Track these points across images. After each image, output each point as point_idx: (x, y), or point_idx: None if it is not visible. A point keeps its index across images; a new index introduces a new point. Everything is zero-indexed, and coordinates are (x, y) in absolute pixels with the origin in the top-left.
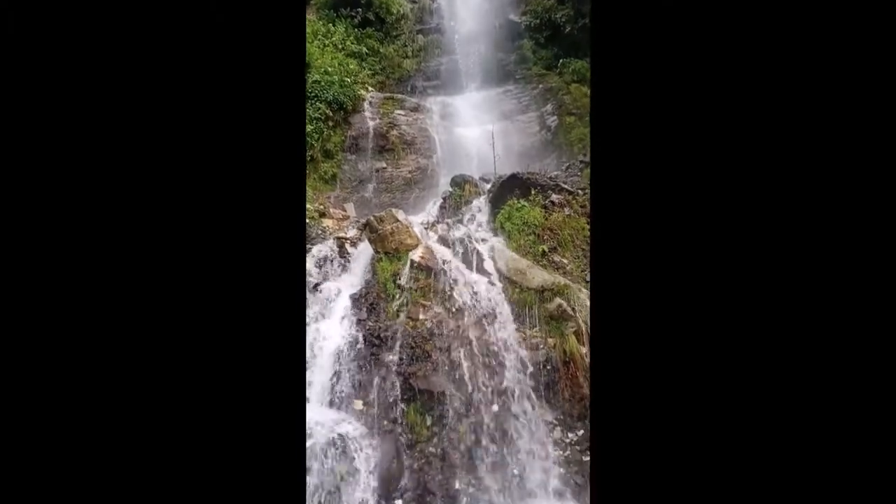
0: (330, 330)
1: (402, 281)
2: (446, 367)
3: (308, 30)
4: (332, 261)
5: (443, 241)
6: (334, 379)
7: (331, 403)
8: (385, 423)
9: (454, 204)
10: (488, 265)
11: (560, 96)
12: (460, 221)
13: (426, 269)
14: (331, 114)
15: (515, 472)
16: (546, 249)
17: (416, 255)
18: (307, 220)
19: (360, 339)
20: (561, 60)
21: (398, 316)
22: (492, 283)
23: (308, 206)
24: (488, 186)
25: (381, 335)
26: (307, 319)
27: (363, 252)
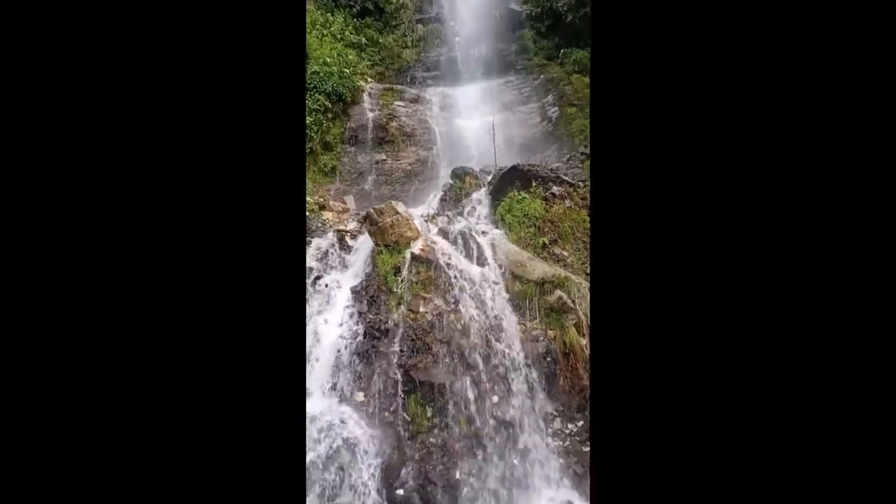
0: (330, 322)
1: (403, 273)
2: (446, 360)
3: (306, 20)
4: (332, 253)
5: (443, 233)
6: (335, 371)
7: (332, 395)
8: (386, 414)
9: (454, 196)
10: (489, 257)
11: (561, 87)
12: (461, 214)
13: (426, 262)
14: (330, 105)
15: (515, 462)
16: (546, 242)
17: (416, 247)
18: (307, 213)
19: (361, 331)
20: (562, 50)
21: (399, 308)
22: (494, 281)
23: (308, 198)
24: (489, 178)
25: (382, 327)
26: (307, 312)
27: (363, 245)
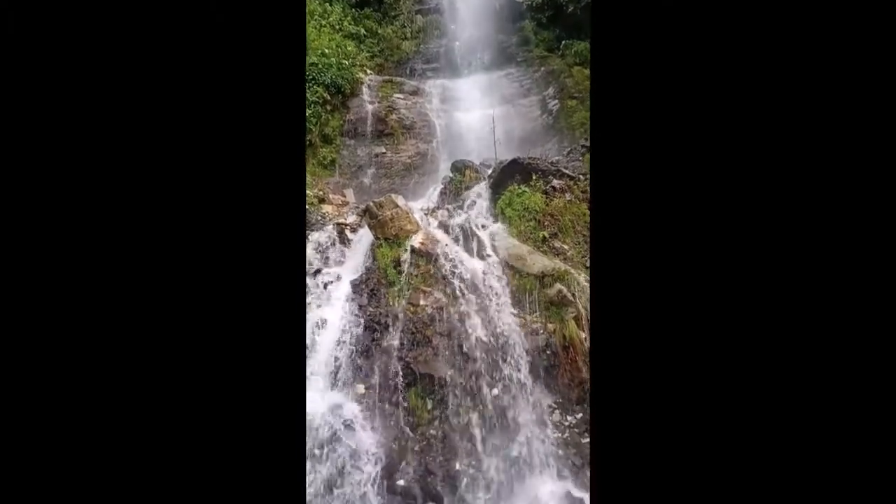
0: (331, 316)
1: (403, 267)
2: (447, 353)
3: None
4: (331, 247)
5: (443, 227)
6: (336, 364)
7: (332, 387)
8: (387, 406)
9: (454, 189)
10: (489, 251)
11: (562, 79)
12: (460, 207)
13: (426, 256)
14: (329, 97)
15: (515, 453)
16: (547, 235)
17: (416, 241)
18: (306, 206)
19: (361, 324)
20: (563, 42)
21: (399, 302)
22: (494, 275)
23: (307, 191)
24: (489, 172)
25: (382, 321)
26: (307, 305)
27: (363, 238)
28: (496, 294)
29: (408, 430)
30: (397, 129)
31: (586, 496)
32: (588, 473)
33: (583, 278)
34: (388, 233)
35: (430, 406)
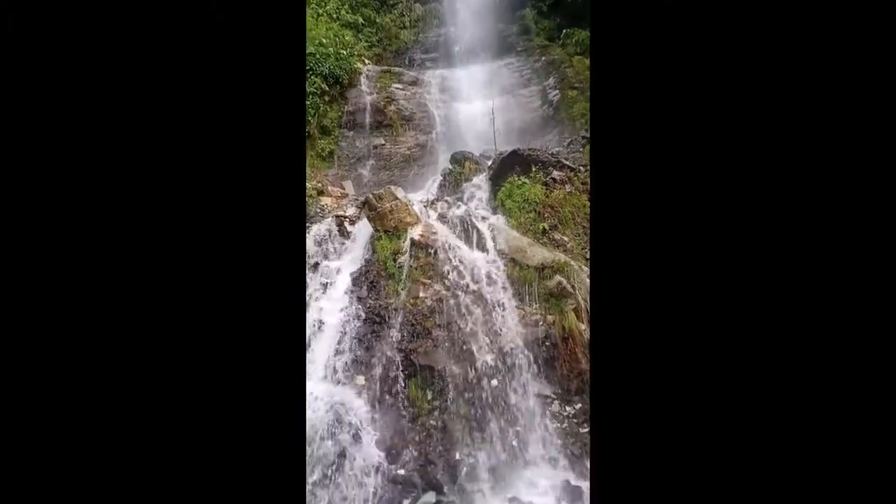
0: (331, 308)
1: (402, 259)
2: (446, 344)
3: None
4: (331, 239)
5: (442, 219)
6: (336, 356)
7: (333, 379)
8: (387, 397)
9: (454, 181)
10: (488, 243)
11: (563, 69)
12: (460, 199)
13: (426, 248)
14: (327, 88)
15: (514, 443)
16: (546, 227)
17: (415, 233)
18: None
19: (361, 316)
20: (564, 31)
21: (398, 294)
22: (494, 267)
23: (306, 184)
24: (489, 163)
25: (382, 313)
26: (307, 298)
27: (362, 230)
28: (496, 286)
29: (408, 420)
30: (396, 120)
31: (584, 485)
32: (586, 463)
33: (583, 270)
34: (387, 225)
35: (430, 397)
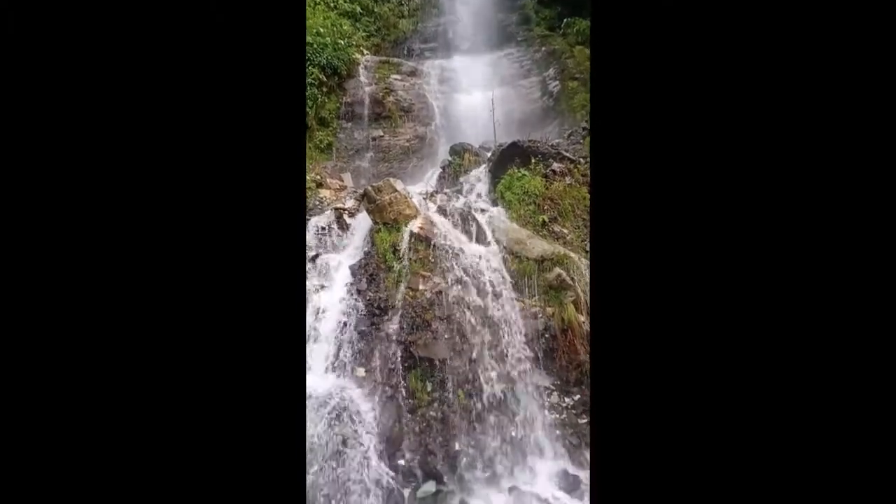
0: (330, 300)
1: (402, 251)
2: (446, 336)
3: None
4: (330, 231)
5: (442, 211)
6: (336, 348)
7: (333, 371)
8: (387, 389)
9: (453, 173)
10: (488, 235)
11: (563, 60)
12: (460, 191)
13: (425, 240)
14: (325, 79)
15: (513, 433)
16: (546, 219)
17: (414, 225)
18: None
19: (361, 308)
20: (565, 20)
21: (398, 286)
22: (493, 259)
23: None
24: (488, 155)
25: (382, 305)
26: (307, 291)
27: (361, 222)
28: (495, 278)
29: (407, 411)
30: (395, 111)
31: (582, 474)
32: (584, 453)
33: (582, 262)
34: (386, 217)
35: (429, 388)
